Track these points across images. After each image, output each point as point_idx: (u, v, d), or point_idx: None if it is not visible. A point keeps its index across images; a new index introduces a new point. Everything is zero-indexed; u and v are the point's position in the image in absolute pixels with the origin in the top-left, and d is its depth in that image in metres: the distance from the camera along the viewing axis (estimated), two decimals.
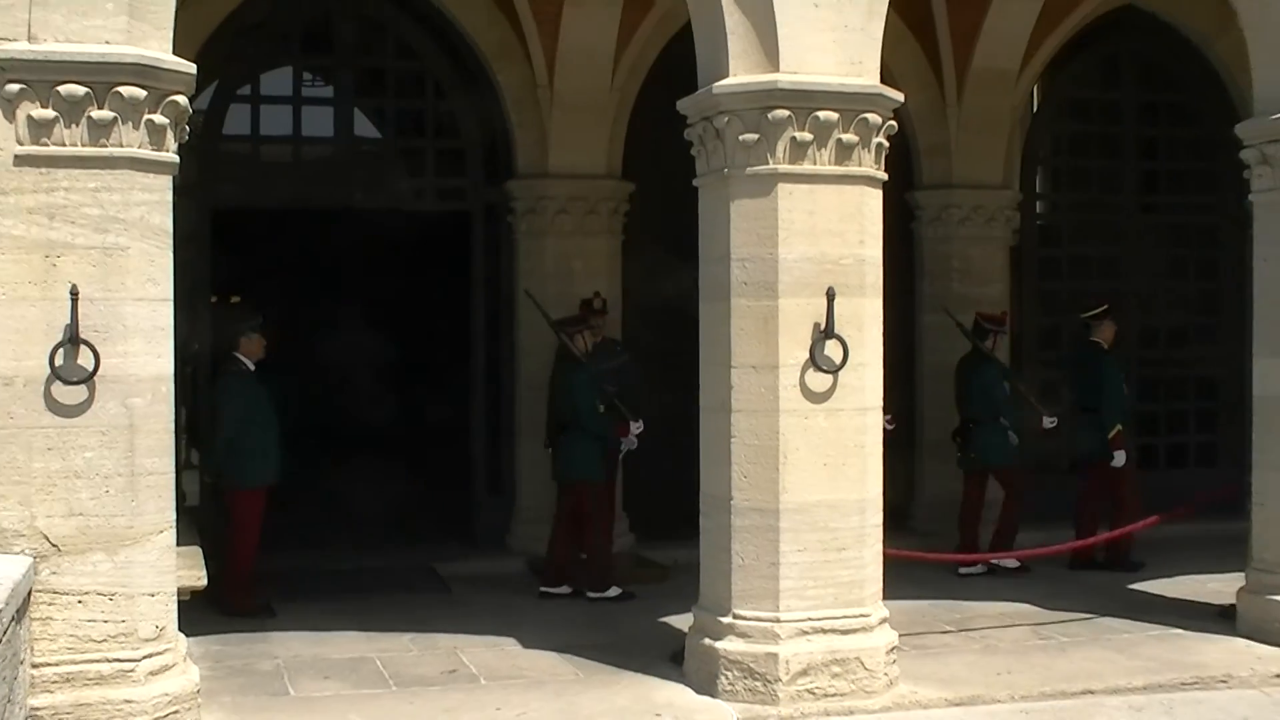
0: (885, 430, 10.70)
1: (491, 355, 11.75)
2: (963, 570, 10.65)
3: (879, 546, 7.39)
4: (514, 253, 11.61)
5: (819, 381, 7.21)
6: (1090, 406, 11.06)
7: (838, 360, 7.20)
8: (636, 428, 9.88)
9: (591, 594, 9.93)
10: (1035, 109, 13.42)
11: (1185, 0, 12.94)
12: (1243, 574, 8.81)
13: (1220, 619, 8.90)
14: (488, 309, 11.73)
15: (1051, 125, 13.25)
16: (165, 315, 6.51)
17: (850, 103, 7.25)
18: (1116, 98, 13.40)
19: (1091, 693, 7.56)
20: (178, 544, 6.72)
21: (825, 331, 7.18)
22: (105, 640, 6.35)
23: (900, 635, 7.56)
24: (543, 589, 10.05)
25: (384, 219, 12.56)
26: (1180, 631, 8.70)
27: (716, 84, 7.28)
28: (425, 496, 13.95)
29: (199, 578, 7.54)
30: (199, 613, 7.97)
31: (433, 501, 13.49)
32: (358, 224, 13.60)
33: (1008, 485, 10.97)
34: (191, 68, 6.61)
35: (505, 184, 11.55)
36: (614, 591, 9.92)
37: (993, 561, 10.67)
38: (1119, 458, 10.91)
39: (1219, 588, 9.76)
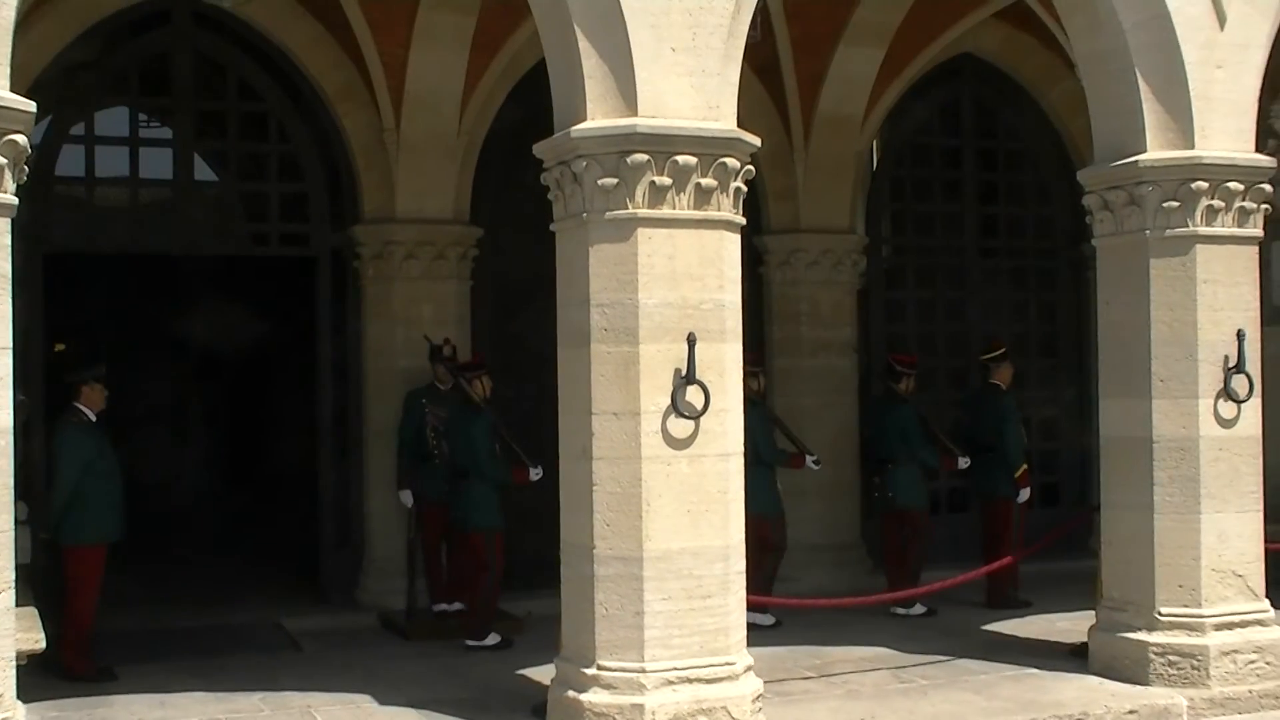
0: (812, 469, 11.05)
1: (339, 402, 11.53)
2: (899, 610, 10.78)
3: (743, 593, 7.36)
4: (361, 298, 11.44)
5: (681, 428, 7.17)
6: (989, 446, 11.25)
7: (699, 406, 7.16)
8: (535, 473, 9.75)
9: (471, 643, 9.79)
10: (879, 154, 13.65)
11: (1019, 50, 13.28)
12: (1090, 612, 8.97)
13: (1073, 658, 9.04)
14: (334, 355, 11.51)
15: (895, 170, 13.48)
16: (4, 365, 6.23)
17: (709, 147, 7.25)
18: (956, 143, 13.68)
19: None
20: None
21: (687, 377, 7.14)
22: None
23: (764, 682, 7.52)
24: (470, 643, 9.81)
25: (226, 264, 12.31)
26: (1036, 671, 8.81)
27: (574, 128, 7.23)
28: (271, 549, 13.67)
29: (37, 640, 7.21)
30: (34, 677, 7.62)
31: (279, 554, 13.22)
32: (199, 270, 13.34)
33: (915, 527, 11.12)
34: (31, 106, 6.37)
35: (351, 229, 11.38)
36: (493, 639, 9.82)
37: (897, 610, 10.80)
38: (1024, 494, 11.23)
39: (1068, 626, 9.94)
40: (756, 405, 10.74)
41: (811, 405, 12.13)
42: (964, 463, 11.27)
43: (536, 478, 9.73)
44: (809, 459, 11.00)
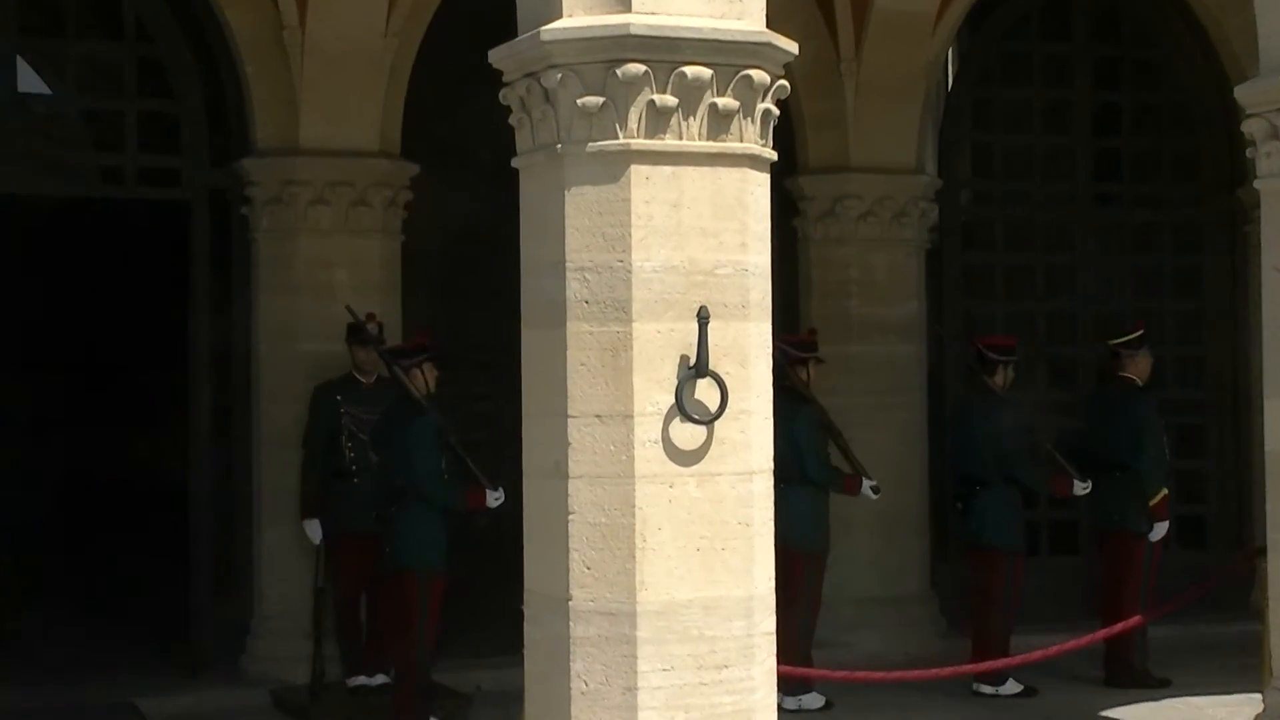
0: (869, 496, 11.09)
1: (221, 401, 11.62)
2: (985, 688, 10.86)
3: (772, 662, 7.38)
4: (251, 258, 11.49)
5: (689, 436, 7.18)
6: (1118, 463, 11.35)
7: (713, 407, 7.18)
8: (495, 497, 9.80)
9: None
10: (957, 67, 13.70)
11: None
12: (1254, 695, 8.98)
13: None
14: (215, 337, 11.58)
15: (978, 89, 13.54)
16: None
17: (728, 55, 7.25)
18: (1064, 52, 13.74)
19: None
20: None
21: (696, 368, 7.16)
22: None
23: None
24: None
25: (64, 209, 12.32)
26: None
27: (545, 28, 7.24)
28: (126, 599, 13.70)
29: None
30: None
31: (137, 606, 13.25)
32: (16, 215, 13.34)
33: (1003, 572, 11.19)
34: None
35: (238, 163, 11.43)
36: None
37: (982, 687, 10.91)
38: (1159, 530, 11.30)
39: (1223, 714, 9.98)
40: (807, 404, 10.82)
41: (861, 407, 12.20)
42: (1082, 487, 11.32)
43: (496, 504, 9.79)
44: (866, 484, 11.08)
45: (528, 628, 7.49)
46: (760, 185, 7.41)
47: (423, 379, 10.06)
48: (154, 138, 11.56)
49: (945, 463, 11.93)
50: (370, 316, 10.85)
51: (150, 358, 15.64)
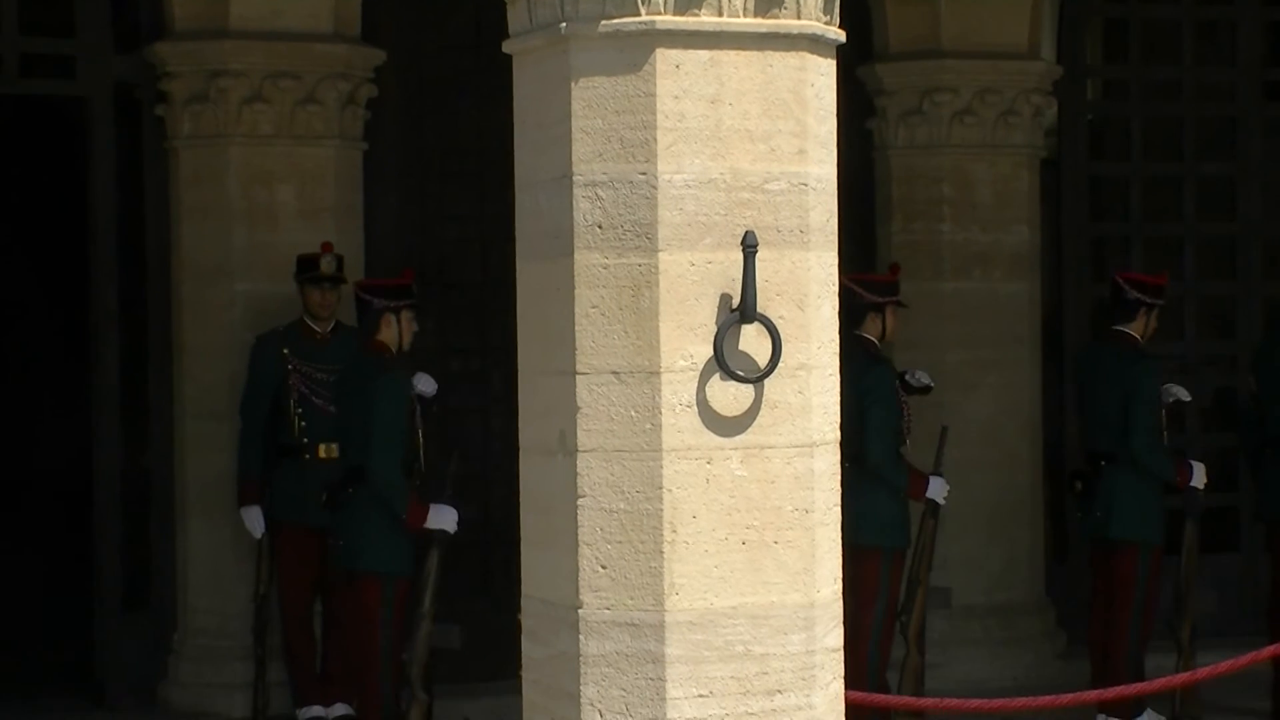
0: (937, 503, 11.05)
1: (131, 358, 11.69)
2: None
3: (839, 685, 7.44)
4: (169, 172, 11.56)
5: (731, 399, 7.21)
6: None
7: (763, 361, 7.22)
8: (439, 518, 9.76)
9: None
10: None
11: None
12: None
13: None
14: (122, 273, 11.66)
15: None
16: None
17: None
18: None
19: None
20: None
21: (741, 310, 7.20)
22: None
23: None
24: None
25: None
26: None
27: None
28: (16, 608, 13.80)
29: None
30: None
31: (30, 617, 13.34)
32: None
33: (1138, 573, 11.22)
34: None
35: (150, 48, 11.50)
36: None
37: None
38: None
39: None
40: (878, 365, 10.80)
41: (956, 363, 12.25)
42: (1199, 477, 11.37)
43: (437, 526, 9.81)
44: (933, 484, 11.08)
45: (526, 644, 7.55)
46: (824, 75, 7.42)
47: (396, 329, 10.08)
48: (39, 18, 11.57)
49: (1066, 435, 11.91)
50: (326, 247, 10.90)
51: (37, 302, 15.68)
